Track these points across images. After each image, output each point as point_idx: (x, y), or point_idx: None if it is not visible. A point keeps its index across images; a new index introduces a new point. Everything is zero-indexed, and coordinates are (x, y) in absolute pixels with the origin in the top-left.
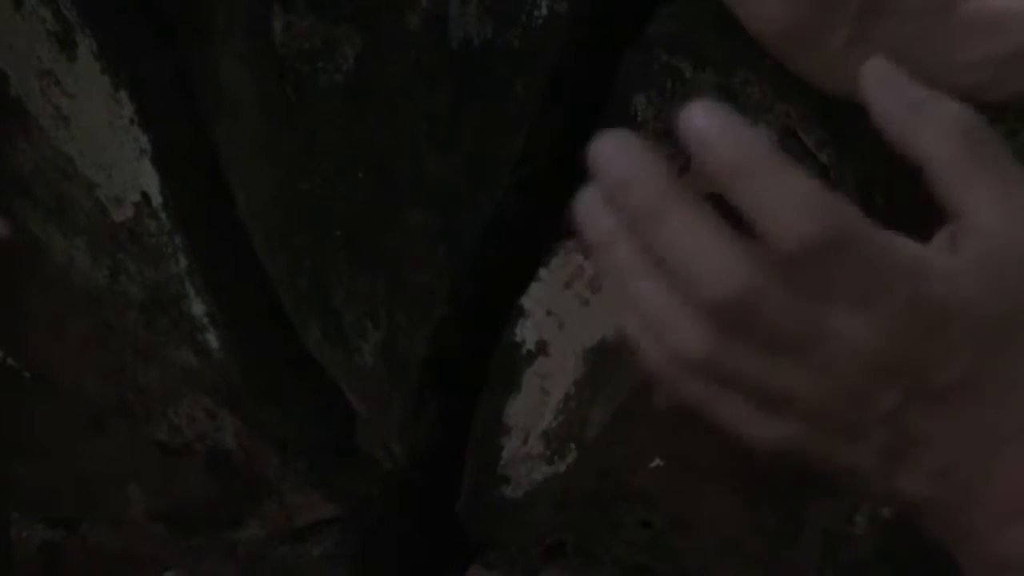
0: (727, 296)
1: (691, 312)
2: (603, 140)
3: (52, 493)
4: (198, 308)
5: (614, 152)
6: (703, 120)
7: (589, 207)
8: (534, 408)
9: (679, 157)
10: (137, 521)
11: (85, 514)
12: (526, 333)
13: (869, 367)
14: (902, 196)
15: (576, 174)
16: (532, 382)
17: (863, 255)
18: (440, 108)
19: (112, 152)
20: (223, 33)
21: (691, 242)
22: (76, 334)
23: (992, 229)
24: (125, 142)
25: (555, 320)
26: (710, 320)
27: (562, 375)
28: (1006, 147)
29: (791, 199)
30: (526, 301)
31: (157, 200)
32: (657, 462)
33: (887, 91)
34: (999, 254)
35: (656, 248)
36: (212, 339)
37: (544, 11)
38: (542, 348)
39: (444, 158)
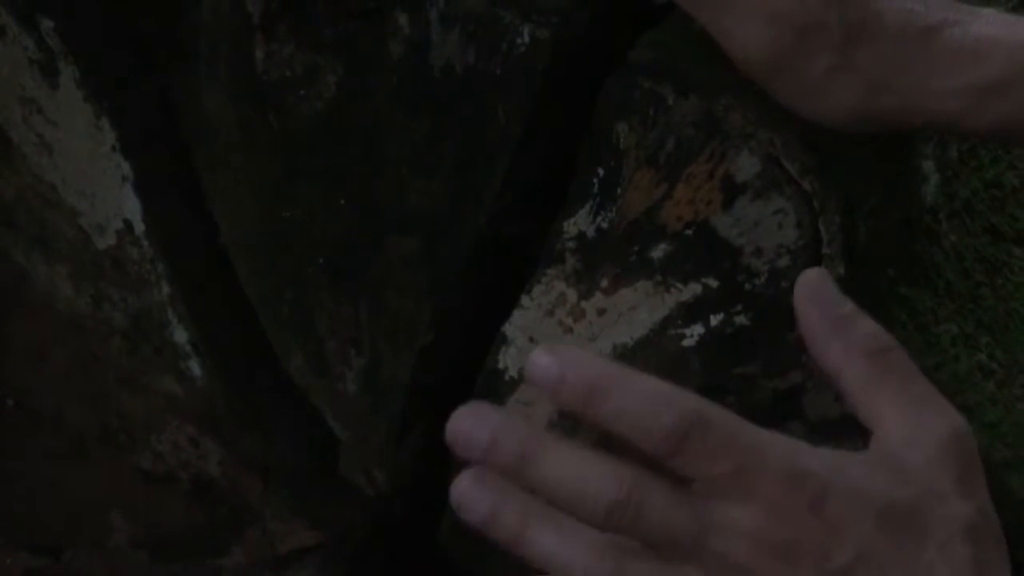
0: (615, 499)
1: (587, 539)
2: (456, 417)
3: (35, 521)
4: (181, 336)
5: (471, 423)
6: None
7: (465, 493)
8: None
9: (663, 184)
10: (121, 548)
11: (68, 541)
12: (509, 360)
13: (767, 551)
14: (886, 225)
15: (558, 201)
16: (515, 409)
17: (728, 432)
18: (422, 135)
19: (95, 180)
20: (205, 61)
21: (569, 467)
22: (58, 362)
23: (890, 438)
24: (108, 169)
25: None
26: (607, 543)
27: (545, 402)
28: (912, 364)
29: (645, 399)
30: (509, 328)
31: (140, 227)
32: None
33: (812, 305)
34: (893, 457)
35: (540, 489)
36: (195, 366)
37: (526, 38)
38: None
39: (426, 185)
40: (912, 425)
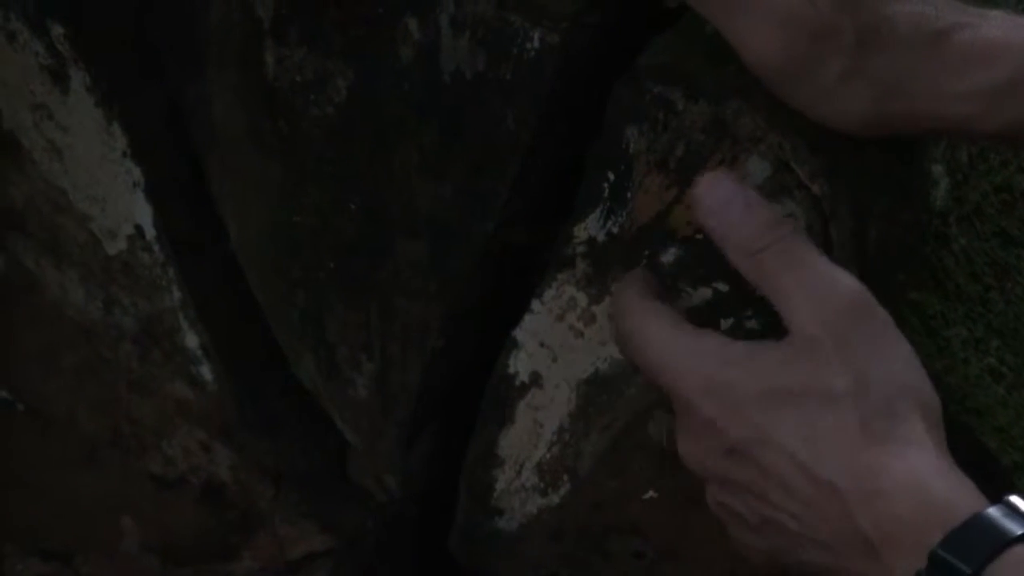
0: None
1: None
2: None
3: (46, 526)
4: (192, 340)
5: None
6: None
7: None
8: (528, 440)
9: (672, 188)
10: (131, 553)
11: (79, 547)
12: (519, 365)
13: (686, 439)
14: (896, 229)
15: (568, 205)
16: (526, 414)
17: None
18: (432, 140)
19: (105, 185)
20: (216, 66)
21: None
22: (69, 367)
23: (789, 324)
24: (118, 175)
25: (548, 352)
26: None
27: (555, 407)
28: (799, 245)
29: None
30: (519, 333)
31: (150, 233)
32: (651, 494)
33: (709, 217)
34: (785, 343)
35: None
36: (206, 371)
37: (536, 43)
38: (535, 380)
39: (436, 190)
40: (795, 312)
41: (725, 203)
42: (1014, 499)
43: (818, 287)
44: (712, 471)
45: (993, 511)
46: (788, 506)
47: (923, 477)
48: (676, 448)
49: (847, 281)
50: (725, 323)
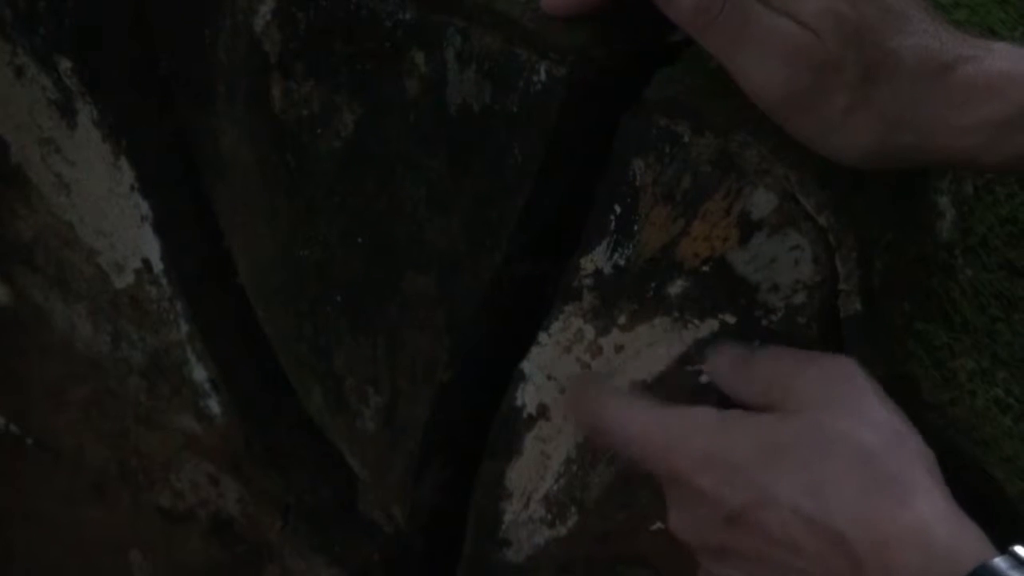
0: None
1: None
2: None
3: (55, 560)
4: (200, 374)
5: None
6: None
7: None
8: (535, 472)
9: (679, 220)
10: None
11: None
12: (527, 397)
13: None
14: (903, 260)
15: (575, 238)
16: (533, 446)
17: None
18: (439, 173)
19: (113, 219)
20: (223, 100)
21: None
22: (78, 400)
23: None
24: (126, 209)
25: (556, 384)
26: None
27: (563, 439)
28: None
29: None
30: (526, 365)
31: (158, 267)
32: (658, 525)
33: None
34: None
35: None
36: (214, 404)
37: (543, 76)
38: (543, 412)
39: (443, 223)
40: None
41: None
42: (1019, 549)
43: (803, 361)
44: (710, 544)
45: (998, 562)
46: (794, 564)
47: (930, 525)
48: (669, 525)
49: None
50: None
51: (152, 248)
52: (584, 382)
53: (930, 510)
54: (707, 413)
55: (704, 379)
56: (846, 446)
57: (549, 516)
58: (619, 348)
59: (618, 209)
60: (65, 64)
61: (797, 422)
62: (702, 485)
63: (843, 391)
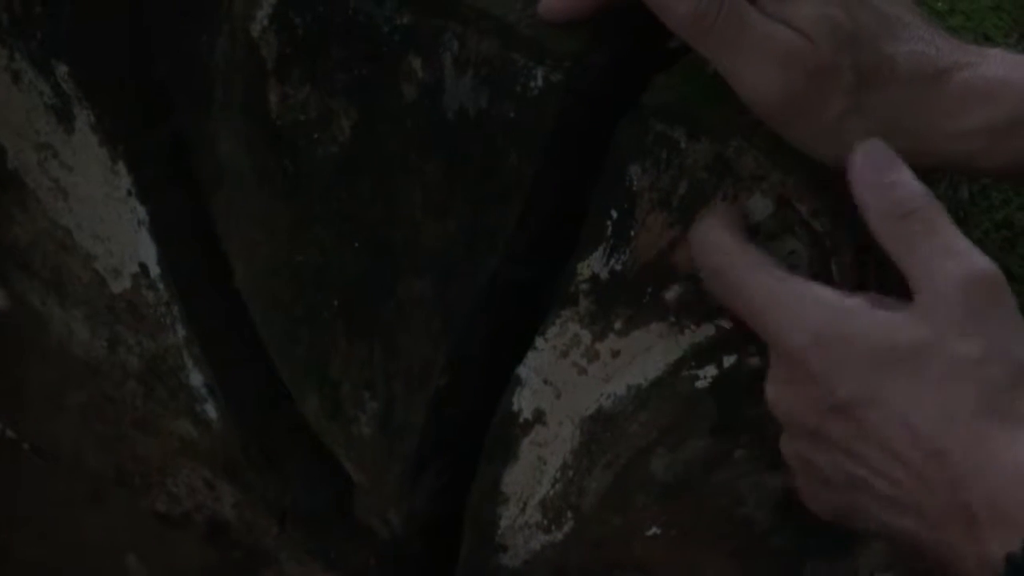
0: None
1: None
2: None
3: (51, 565)
4: (196, 379)
5: None
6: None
7: None
8: (532, 477)
9: (675, 226)
10: None
11: None
12: (523, 402)
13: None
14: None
15: (572, 243)
16: (529, 451)
17: None
18: (435, 178)
19: (110, 224)
20: (220, 105)
21: None
22: (75, 405)
23: (917, 288)
24: (123, 214)
25: (552, 389)
26: None
27: (559, 444)
28: (937, 215)
29: None
30: (523, 370)
31: (155, 271)
32: (654, 530)
33: (860, 181)
34: (912, 306)
35: None
36: (211, 409)
37: (539, 81)
38: (539, 417)
39: (440, 228)
40: (929, 275)
41: (877, 169)
42: None
43: (958, 256)
44: (804, 424)
45: None
46: (889, 470)
47: None
48: (766, 395)
49: (985, 259)
50: (728, 360)
51: (149, 253)
52: (716, 215)
53: None
54: (834, 292)
55: (701, 384)
56: (970, 366)
57: (545, 521)
58: (615, 353)
59: (615, 214)
60: (62, 69)
61: (926, 331)
62: (812, 367)
63: (989, 304)
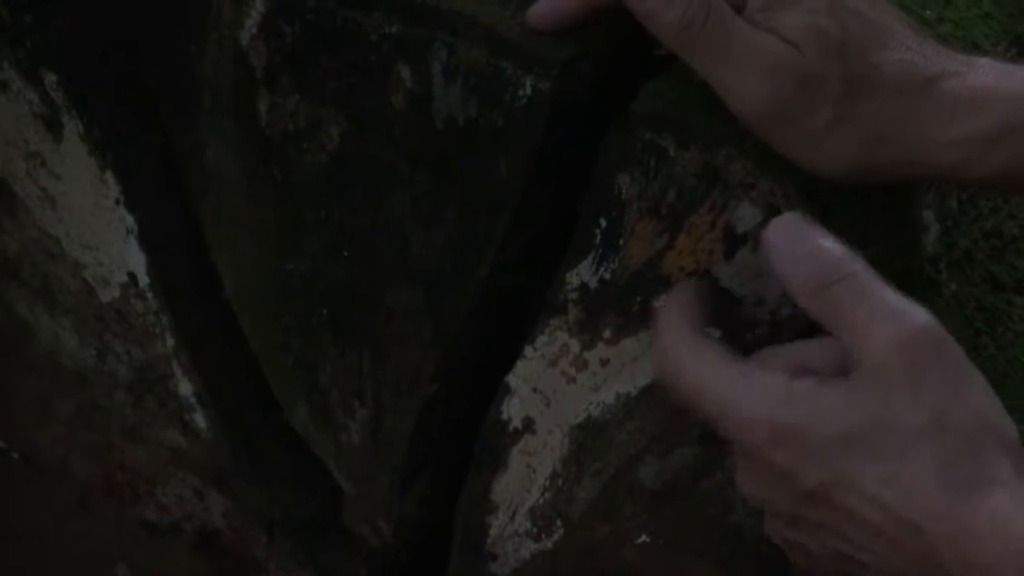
0: None
1: None
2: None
3: (41, 573)
4: (185, 388)
5: None
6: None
7: None
8: (521, 485)
9: (664, 234)
10: None
11: None
12: (512, 411)
13: (756, 483)
14: (887, 274)
15: (561, 252)
16: (519, 460)
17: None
18: (424, 187)
19: (99, 233)
20: (209, 113)
21: None
22: (63, 414)
23: (857, 362)
24: (112, 223)
25: (541, 398)
26: None
27: (548, 452)
28: (866, 279)
29: None
30: (512, 379)
31: (144, 280)
32: (644, 538)
33: (778, 256)
34: (852, 382)
35: None
36: (199, 419)
37: (528, 90)
38: (528, 426)
39: (429, 236)
40: (865, 344)
41: (793, 241)
42: None
43: (890, 318)
44: (782, 512)
45: None
46: (870, 545)
47: (1008, 518)
48: (738, 486)
49: (919, 313)
50: None
51: (138, 262)
52: (673, 308)
53: (1007, 503)
54: (779, 380)
55: None
56: (925, 438)
57: (535, 530)
58: (604, 362)
59: (603, 223)
60: (51, 78)
61: (874, 407)
62: (774, 460)
63: (930, 363)
